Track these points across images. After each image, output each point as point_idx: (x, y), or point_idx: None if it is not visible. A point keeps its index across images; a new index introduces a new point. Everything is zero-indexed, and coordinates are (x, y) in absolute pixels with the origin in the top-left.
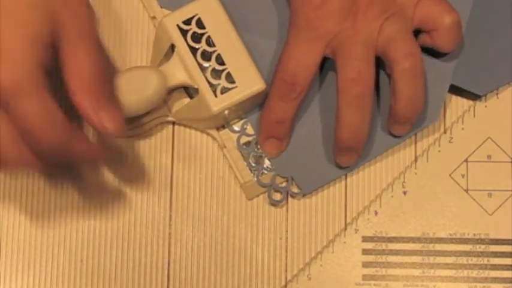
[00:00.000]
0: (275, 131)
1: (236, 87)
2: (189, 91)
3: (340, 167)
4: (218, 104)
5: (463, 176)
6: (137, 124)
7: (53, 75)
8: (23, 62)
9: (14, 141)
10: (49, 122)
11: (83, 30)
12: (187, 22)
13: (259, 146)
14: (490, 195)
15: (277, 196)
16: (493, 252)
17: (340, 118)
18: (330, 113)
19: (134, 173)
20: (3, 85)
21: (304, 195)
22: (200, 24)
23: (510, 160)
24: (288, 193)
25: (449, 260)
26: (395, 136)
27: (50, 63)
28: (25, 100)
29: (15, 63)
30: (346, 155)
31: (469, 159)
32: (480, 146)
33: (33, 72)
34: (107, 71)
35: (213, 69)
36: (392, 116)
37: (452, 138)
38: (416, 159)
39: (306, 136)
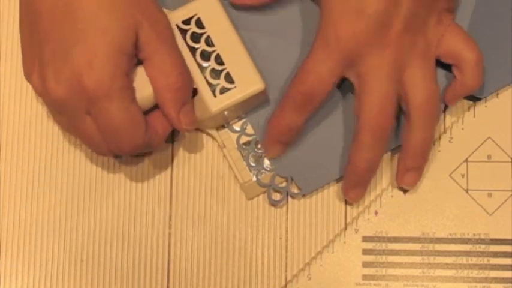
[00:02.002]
0: (283, 137)
1: (235, 87)
2: None
3: (340, 168)
4: (217, 104)
5: (463, 176)
6: None
7: None
8: (107, 68)
9: (96, 140)
10: (131, 124)
11: (162, 35)
12: (187, 22)
13: (260, 147)
14: (490, 195)
15: (277, 196)
16: (493, 252)
17: (358, 148)
18: (331, 115)
19: (134, 172)
20: (90, 88)
21: (304, 196)
22: (199, 24)
23: (510, 160)
24: (287, 193)
25: (449, 260)
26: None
27: (132, 69)
28: (109, 104)
29: (101, 69)
30: (358, 188)
31: (469, 159)
32: (480, 146)
33: (116, 78)
34: (187, 72)
35: (212, 69)
36: (404, 161)
37: (452, 138)
38: None
39: (306, 137)
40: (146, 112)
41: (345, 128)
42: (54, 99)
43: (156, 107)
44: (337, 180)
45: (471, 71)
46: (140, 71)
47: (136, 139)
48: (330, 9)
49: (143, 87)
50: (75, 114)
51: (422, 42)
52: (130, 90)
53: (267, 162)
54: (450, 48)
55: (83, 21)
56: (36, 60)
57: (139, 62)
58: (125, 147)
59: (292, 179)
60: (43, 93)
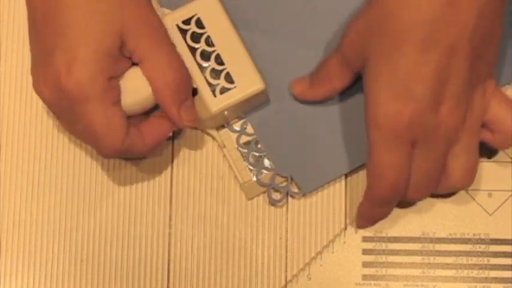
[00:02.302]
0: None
1: (235, 87)
2: None
3: (340, 168)
4: (217, 104)
5: None
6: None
7: None
8: (86, 71)
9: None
10: (108, 128)
11: (155, 36)
12: (187, 22)
13: (260, 147)
14: (490, 195)
15: (277, 196)
16: (493, 252)
17: (378, 204)
18: (332, 114)
19: (134, 172)
20: (68, 91)
21: (304, 195)
22: (199, 24)
23: (510, 160)
24: (287, 193)
25: (449, 260)
26: None
27: (118, 72)
28: (86, 107)
29: (80, 72)
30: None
31: None
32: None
33: (96, 81)
34: (184, 69)
35: (212, 69)
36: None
37: None
38: None
39: (307, 136)
40: (147, 113)
41: (345, 127)
42: (43, 101)
43: (154, 109)
44: (337, 180)
45: (505, 137)
46: (138, 72)
47: (114, 144)
48: (376, 94)
49: (142, 88)
50: (65, 116)
51: (470, 117)
52: (111, 93)
53: (267, 162)
54: (494, 117)
55: (66, 24)
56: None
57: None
58: (102, 151)
59: (292, 179)
60: (38, 95)
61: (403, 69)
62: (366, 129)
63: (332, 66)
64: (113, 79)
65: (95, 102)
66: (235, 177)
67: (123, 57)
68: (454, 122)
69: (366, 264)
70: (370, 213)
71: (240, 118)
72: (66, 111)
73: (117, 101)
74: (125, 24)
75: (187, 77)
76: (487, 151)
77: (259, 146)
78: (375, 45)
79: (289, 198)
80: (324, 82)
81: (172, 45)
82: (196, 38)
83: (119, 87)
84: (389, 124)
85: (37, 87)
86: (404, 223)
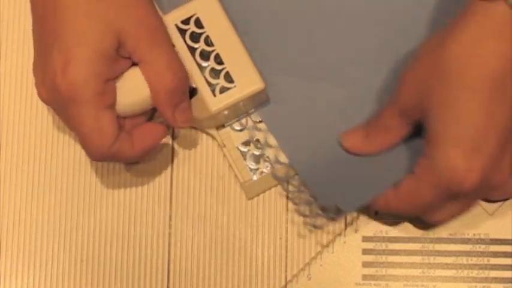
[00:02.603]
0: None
1: (235, 86)
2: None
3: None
4: (217, 103)
5: None
6: None
7: None
8: (81, 73)
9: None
10: (96, 132)
11: (154, 37)
12: (186, 22)
13: (260, 146)
14: None
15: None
16: (493, 252)
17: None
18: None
19: (134, 172)
20: (61, 91)
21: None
22: (199, 23)
23: None
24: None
25: (449, 260)
26: None
27: (117, 73)
28: (78, 109)
29: (75, 73)
30: None
31: None
32: None
33: (90, 83)
34: (182, 71)
35: (212, 69)
36: None
37: None
38: None
39: (343, 160)
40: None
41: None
42: (42, 100)
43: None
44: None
45: None
46: (138, 73)
47: (101, 148)
48: (444, 151)
49: (141, 89)
50: (62, 115)
51: None
52: (106, 96)
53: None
54: None
55: (64, 23)
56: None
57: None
58: (89, 153)
59: (337, 208)
60: (38, 94)
61: (471, 126)
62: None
63: (389, 117)
64: (110, 81)
65: (87, 105)
66: (236, 176)
67: (122, 57)
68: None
69: (366, 264)
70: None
71: (239, 117)
72: (62, 110)
73: (111, 105)
74: (123, 25)
75: (185, 79)
76: None
77: (259, 145)
78: (438, 99)
79: (289, 199)
80: (381, 134)
81: (172, 47)
82: (195, 37)
83: (114, 90)
84: (457, 181)
85: (37, 86)
86: (404, 223)
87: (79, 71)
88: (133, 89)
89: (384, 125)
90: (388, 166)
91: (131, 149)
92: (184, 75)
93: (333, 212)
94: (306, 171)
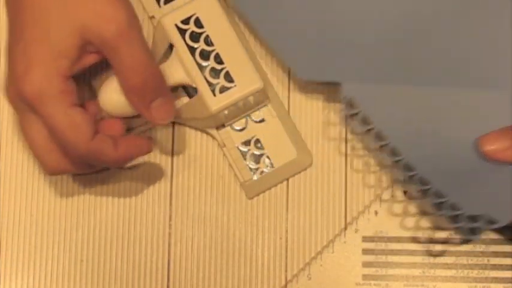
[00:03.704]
0: None
1: (235, 86)
2: (188, 90)
3: None
4: (217, 103)
5: None
6: (140, 123)
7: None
8: (42, 73)
9: (48, 148)
10: (70, 127)
11: (122, 36)
12: (186, 21)
13: (260, 146)
14: None
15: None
16: (493, 252)
17: None
18: None
19: (134, 172)
20: (25, 92)
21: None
22: (198, 23)
23: None
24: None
25: (449, 260)
26: None
27: (81, 69)
28: (46, 107)
29: (36, 74)
30: None
31: None
32: None
33: (52, 82)
34: (150, 69)
35: (212, 69)
36: None
37: None
38: None
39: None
40: None
41: None
42: (10, 104)
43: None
44: (337, 180)
45: None
46: None
47: (79, 145)
48: None
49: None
50: (27, 119)
51: None
52: (68, 95)
53: (267, 161)
54: None
55: (26, 22)
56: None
57: None
58: (69, 153)
59: (487, 215)
60: (7, 99)
61: None
62: None
63: None
64: (70, 80)
65: (55, 103)
66: (236, 176)
67: (90, 52)
68: None
69: (366, 264)
70: None
71: (239, 117)
72: (30, 114)
73: (76, 103)
74: (86, 22)
75: (153, 76)
76: None
77: (259, 145)
78: None
79: (290, 199)
80: None
81: (142, 43)
82: (195, 37)
83: (74, 88)
84: None
85: (5, 91)
86: (405, 223)
87: (40, 72)
88: (118, 89)
89: None
90: None
91: (114, 151)
92: (153, 73)
93: (485, 224)
94: (442, 182)
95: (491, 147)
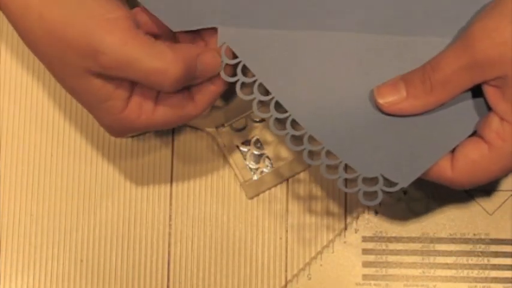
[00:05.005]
0: None
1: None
2: None
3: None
4: (217, 103)
5: None
6: None
7: None
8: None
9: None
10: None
11: (120, 61)
12: None
13: (260, 146)
14: (490, 195)
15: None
16: (493, 252)
17: None
18: None
19: (134, 172)
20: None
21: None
22: None
23: None
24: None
25: (449, 260)
26: None
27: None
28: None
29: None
30: None
31: None
32: None
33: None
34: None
35: None
36: None
37: None
38: None
39: (389, 126)
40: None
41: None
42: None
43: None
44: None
45: None
46: None
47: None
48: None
49: None
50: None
51: None
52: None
53: (267, 161)
54: None
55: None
56: None
57: None
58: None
59: (383, 177)
60: None
61: None
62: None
63: (452, 70)
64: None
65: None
66: (236, 176)
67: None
68: None
69: (366, 264)
70: None
71: (239, 117)
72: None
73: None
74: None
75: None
76: None
77: (259, 145)
78: None
79: (289, 199)
80: (436, 91)
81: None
82: None
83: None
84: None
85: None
86: (404, 223)
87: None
88: None
89: (442, 80)
90: (436, 128)
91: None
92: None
93: (385, 186)
94: (333, 141)
95: (384, 98)
